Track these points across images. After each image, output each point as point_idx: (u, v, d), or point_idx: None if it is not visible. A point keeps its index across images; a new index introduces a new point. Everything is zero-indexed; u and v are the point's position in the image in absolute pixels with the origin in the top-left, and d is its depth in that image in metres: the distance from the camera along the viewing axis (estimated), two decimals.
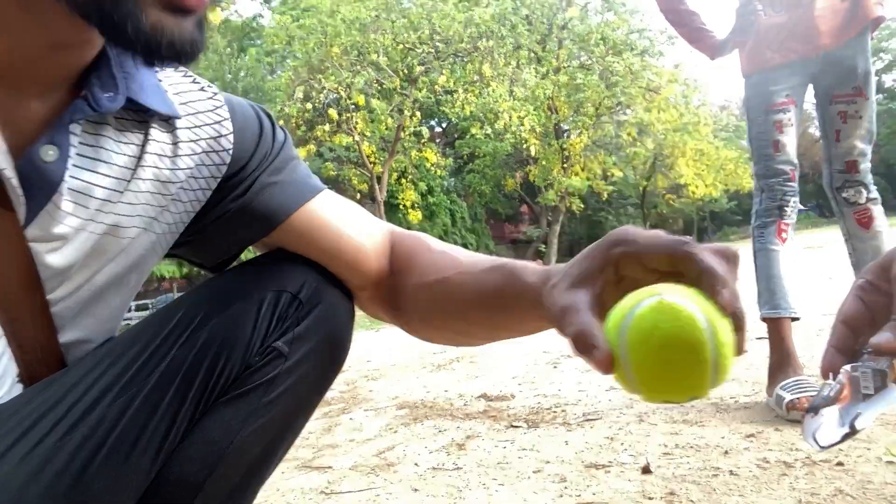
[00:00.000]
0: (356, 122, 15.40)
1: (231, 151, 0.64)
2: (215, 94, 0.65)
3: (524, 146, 17.04)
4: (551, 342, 3.50)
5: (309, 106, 14.77)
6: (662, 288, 0.43)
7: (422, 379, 2.97)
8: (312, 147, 16.39)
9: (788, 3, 1.80)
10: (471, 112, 15.78)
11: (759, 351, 2.40)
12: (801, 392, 1.55)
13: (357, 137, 15.68)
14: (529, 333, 0.63)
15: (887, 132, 31.54)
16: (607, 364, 0.42)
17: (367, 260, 0.70)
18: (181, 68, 0.65)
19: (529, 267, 0.58)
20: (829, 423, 0.48)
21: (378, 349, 4.38)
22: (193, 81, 0.65)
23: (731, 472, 1.25)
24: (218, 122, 0.64)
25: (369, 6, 14.52)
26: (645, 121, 18.09)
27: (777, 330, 1.75)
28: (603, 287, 0.48)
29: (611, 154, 21.19)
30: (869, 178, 1.82)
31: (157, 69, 0.59)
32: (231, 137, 0.64)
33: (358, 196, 19.17)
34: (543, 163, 19.40)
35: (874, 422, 1.40)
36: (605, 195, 21.84)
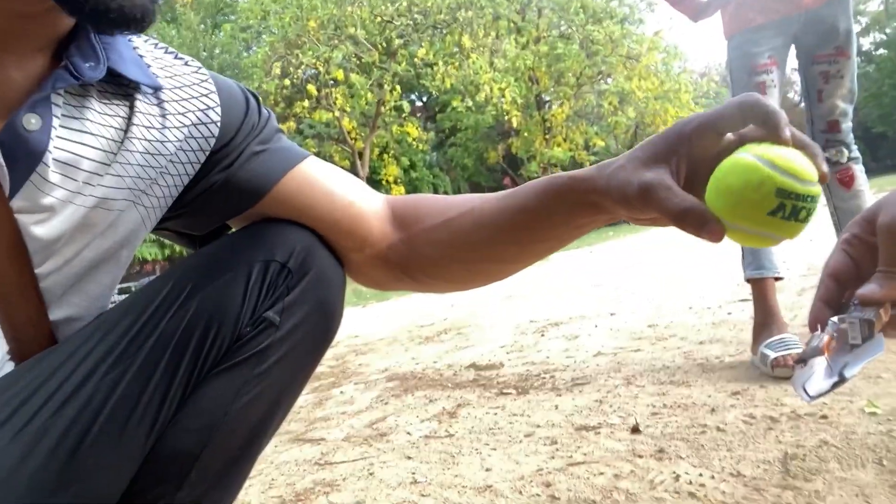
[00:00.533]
0: (336, 98, 15.23)
1: (219, 124, 0.64)
2: (199, 68, 0.66)
3: (506, 118, 16.97)
4: (539, 311, 3.53)
5: (287, 82, 14.57)
6: (737, 155, 0.46)
7: (411, 351, 2.98)
8: (292, 124, 16.22)
9: None
10: (451, 85, 15.66)
11: (742, 312, 2.44)
12: (785, 350, 1.58)
13: (337, 113, 15.52)
14: (572, 238, 0.61)
15: (865, 95, 31.77)
16: (721, 232, 0.45)
17: (364, 219, 0.68)
18: (161, 44, 0.65)
19: (562, 174, 0.58)
20: (818, 373, 0.49)
21: (365, 324, 4.39)
22: (177, 57, 0.65)
23: (718, 429, 1.28)
24: (205, 95, 0.64)
25: None
26: (626, 89, 18.04)
27: (761, 290, 1.78)
28: (678, 164, 0.49)
29: (592, 124, 21.17)
30: (850, 138, 1.84)
31: (110, 36, 0.58)
32: (219, 110, 0.64)
33: None
34: (525, 134, 19.35)
35: (857, 375, 1.43)
36: (588, 165, 21.87)
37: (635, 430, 1.35)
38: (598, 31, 17.10)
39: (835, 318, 0.51)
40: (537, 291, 4.59)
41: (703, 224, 0.45)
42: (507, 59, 15.93)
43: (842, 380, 0.49)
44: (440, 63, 15.43)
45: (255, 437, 0.65)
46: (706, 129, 0.48)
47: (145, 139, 0.59)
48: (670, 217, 0.46)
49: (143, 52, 0.61)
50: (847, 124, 1.83)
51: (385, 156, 19.67)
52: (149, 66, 0.60)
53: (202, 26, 20.47)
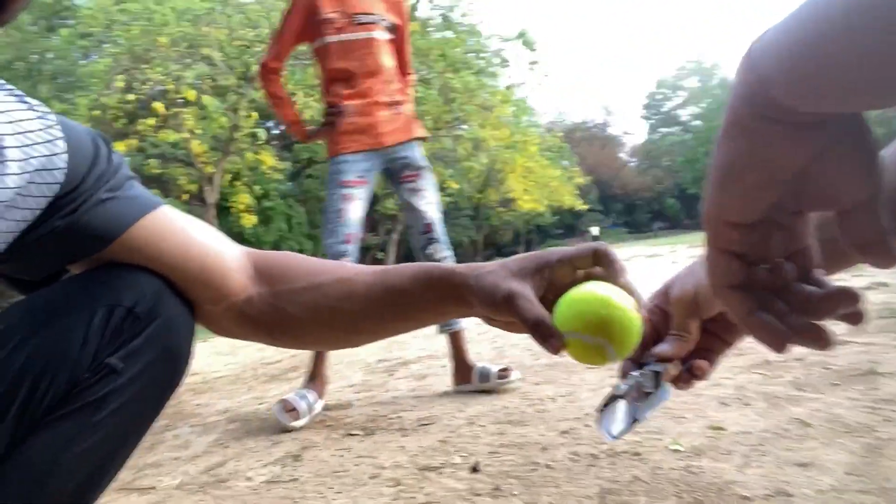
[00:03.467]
0: (185, 119, 14.46)
1: (65, 171, 0.62)
2: (46, 113, 0.63)
3: None
4: (389, 351, 3.56)
5: (131, 97, 13.60)
6: (585, 285, 0.56)
7: (254, 391, 2.88)
8: (134, 142, 15.11)
9: (360, 111, 2.28)
10: (311, 116, 15.50)
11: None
12: None
13: (186, 135, 14.72)
14: (432, 323, 0.67)
15: (681, 160, 35.94)
16: (559, 346, 0.54)
17: (220, 271, 0.68)
18: (8, 86, 0.62)
19: (436, 264, 0.64)
20: (619, 416, 0.58)
21: (206, 360, 4.15)
22: (20, 100, 0.62)
23: (547, 466, 1.39)
24: (50, 142, 0.62)
25: None
26: (480, 137, 18.95)
27: None
28: (539, 282, 0.58)
29: (448, 167, 21.93)
30: (445, 238, 2.35)
31: None
32: (65, 157, 0.62)
33: (186, 197, 17.96)
34: None
35: (664, 415, 1.62)
36: (442, 206, 22.57)
37: (475, 469, 1.42)
38: (456, 80, 17.88)
39: (635, 372, 0.61)
40: None
41: (548, 337, 0.54)
42: None
43: (636, 421, 0.59)
44: (301, 94, 15.25)
45: (87, 488, 0.62)
46: (565, 262, 0.58)
47: None
48: (525, 323, 0.55)
49: None
50: (439, 226, 2.34)
51: (237, 183, 18.89)
52: None
53: (35, 28, 18.59)
